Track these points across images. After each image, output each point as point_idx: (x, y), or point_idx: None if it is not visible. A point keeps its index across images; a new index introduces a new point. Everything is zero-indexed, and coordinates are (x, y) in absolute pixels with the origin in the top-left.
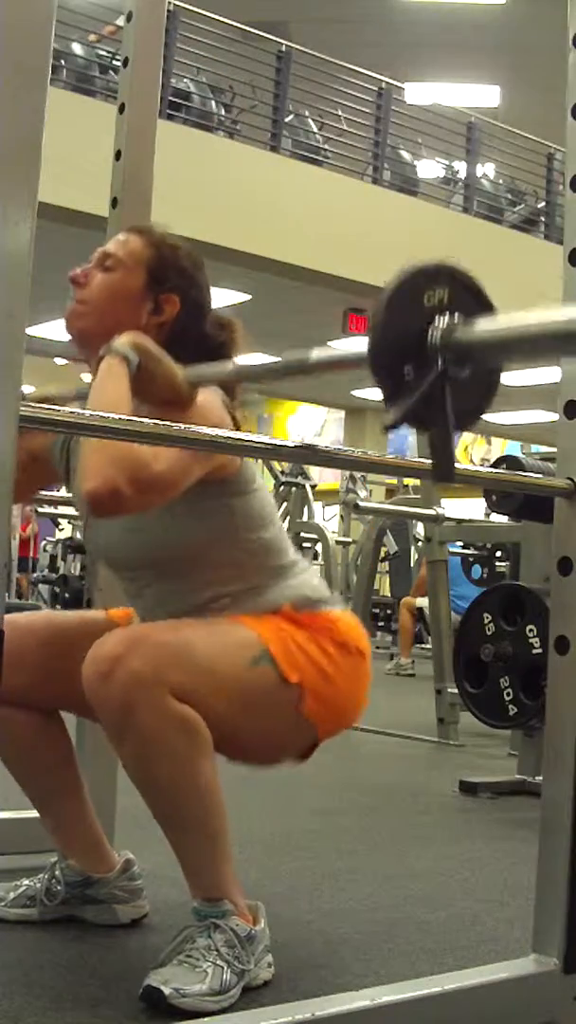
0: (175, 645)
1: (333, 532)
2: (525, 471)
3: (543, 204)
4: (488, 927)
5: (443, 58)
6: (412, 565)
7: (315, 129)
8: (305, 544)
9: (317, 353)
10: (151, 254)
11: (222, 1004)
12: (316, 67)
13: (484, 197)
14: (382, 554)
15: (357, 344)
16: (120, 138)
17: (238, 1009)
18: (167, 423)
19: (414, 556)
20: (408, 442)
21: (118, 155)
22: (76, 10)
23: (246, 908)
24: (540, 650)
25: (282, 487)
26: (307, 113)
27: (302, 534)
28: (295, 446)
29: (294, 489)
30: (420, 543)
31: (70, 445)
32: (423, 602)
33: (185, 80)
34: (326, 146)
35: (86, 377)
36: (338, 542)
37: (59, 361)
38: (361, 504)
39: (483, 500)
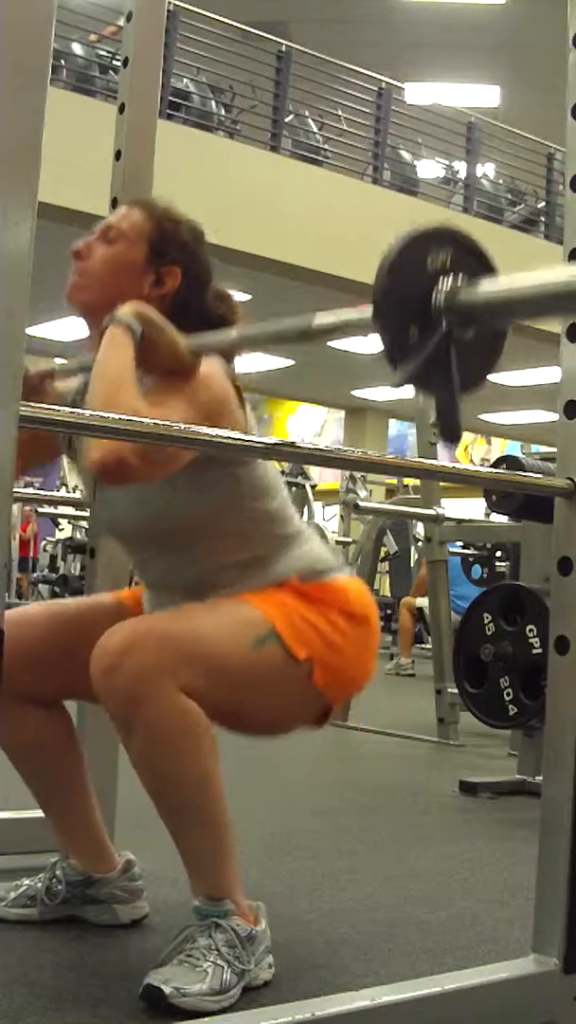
0: (182, 636)
1: (333, 532)
2: (525, 471)
3: (543, 204)
4: (488, 927)
5: (443, 58)
6: (412, 565)
7: (315, 129)
8: None
9: (320, 319)
10: (153, 227)
11: (222, 1004)
12: (316, 67)
13: (484, 197)
14: (382, 554)
15: (360, 312)
16: (120, 138)
17: (238, 1009)
18: (167, 423)
19: (414, 556)
20: (408, 442)
21: (118, 155)
22: (76, 10)
23: (247, 908)
24: (540, 650)
25: None
26: (307, 113)
27: None
28: (295, 446)
29: (294, 489)
30: (420, 543)
31: None
32: (423, 602)
33: (185, 80)
34: (326, 146)
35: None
36: (338, 542)
37: (59, 361)
38: (361, 504)
39: (483, 500)
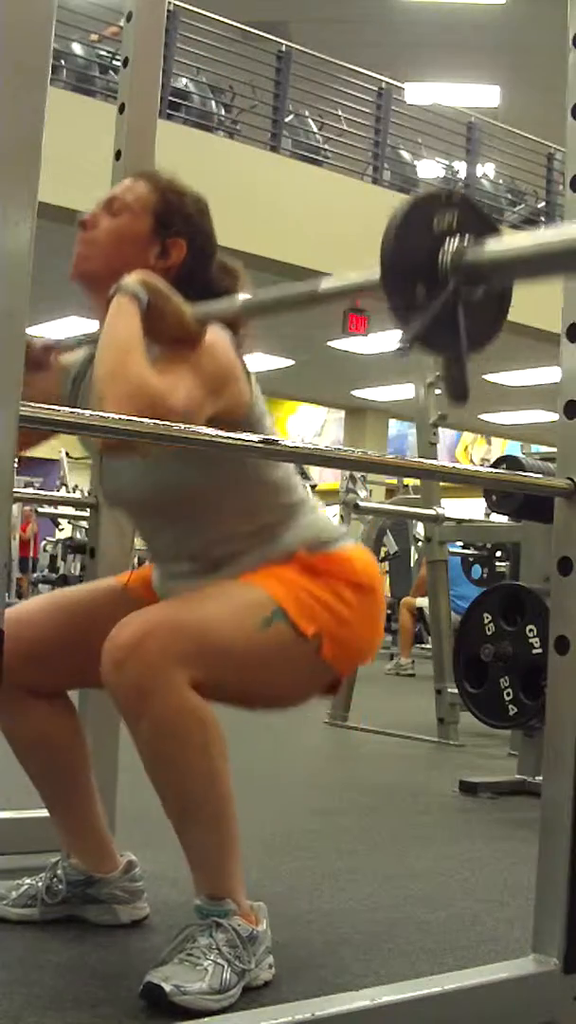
0: (190, 628)
1: None
2: (525, 471)
3: (543, 204)
4: (488, 927)
5: (443, 58)
6: (412, 565)
7: (315, 129)
8: None
9: (327, 282)
10: (158, 199)
11: (222, 1003)
12: (316, 67)
13: (484, 197)
14: (382, 554)
15: (367, 274)
16: (120, 138)
17: (238, 1009)
18: (167, 423)
19: (414, 556)
20: (408, 442)
21: (118, 155)
22: (76, 10)
23: (249, 908)
24: (540, 650)
25: None
26: (307, 113)
27: None
28: (295, 446)
29: None
30: (420, 543)
31: (79, 391)
32: (423, 602)
33: (184, 80)
34: (326, 146)
35: None
36: None
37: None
38: (361, 504)
39: (483, 500)
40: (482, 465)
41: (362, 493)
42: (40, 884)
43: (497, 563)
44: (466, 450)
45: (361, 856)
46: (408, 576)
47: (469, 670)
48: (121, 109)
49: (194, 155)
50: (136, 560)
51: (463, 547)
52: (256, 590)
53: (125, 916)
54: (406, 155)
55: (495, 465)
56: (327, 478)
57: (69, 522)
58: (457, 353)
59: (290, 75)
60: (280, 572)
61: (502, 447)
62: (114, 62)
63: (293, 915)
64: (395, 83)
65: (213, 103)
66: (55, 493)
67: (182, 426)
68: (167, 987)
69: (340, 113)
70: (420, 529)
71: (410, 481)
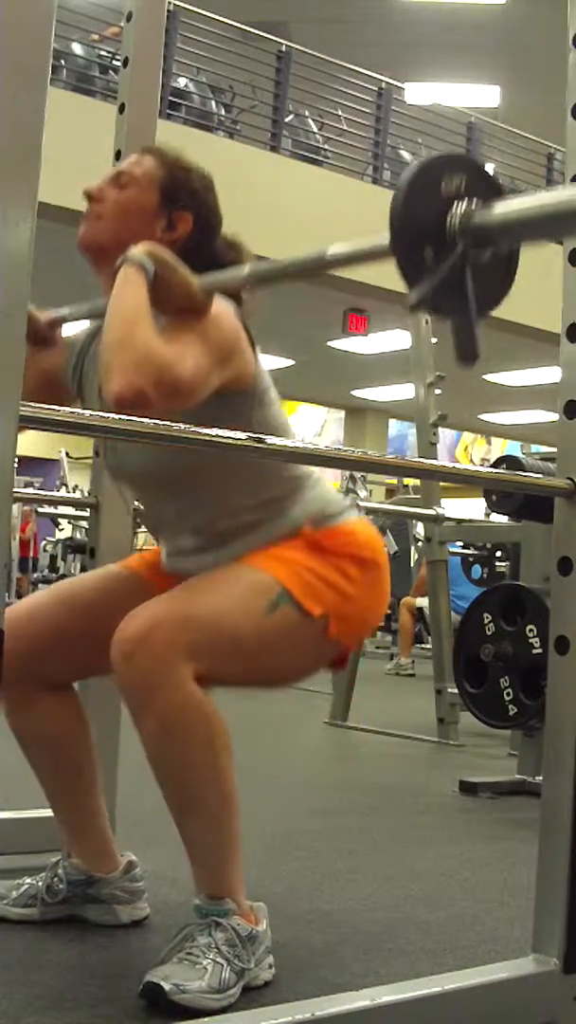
0: (197, 619)
1: None
2: (525, 471)
3: None
4: (488, 927)
5: (443, 58)
6: (412, 565)
7: (315, 129)
8: None
9: (334, 249)
10: (164, 173)
11: (222, 1002)
12: (316, 67)
13: None
14: None
15: (375, 239)
16: (120, 138)
17: (238, 1009)
18: (167, 423)
19: (414, 556)
20: (408, 442)
21: (118, 155)
22: (76, 10)
23: (248, 908)
24: (540, 650)
25: None
26: (307, 113)
27: None
28: (294, 446)
29: None
30: (420, 543)
31: (83, 367)
32: (423, 602)
33: (182, 79)
34: (326, 146)
35: None
36: None
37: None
38: (361, 504)
39: (483, 500)
40: (482, 465)
41: (362, 493)
42: (40, 884)
43: (497, 563)
44: (466, 450)
45: (361, 856)
46: (408, 576)
47: (469, 670)
48: (121, 109)
49: (194, 155)
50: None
51: (463, 547)
52: (261, 573)
53: (125, 916)
54: (406, 155)
55: (495, 465)
56: (327, 478)
57: (69, 522)
58: (465, 315)
59: (290, 75)
60: (285, 553)
61: (502, 447)
62: (114, 62)
63: (293, 915)
64: (395, 83)
65: (213, 103)
66: (55, 493)
67: (182, 426)
68: (167, 986)
69: (340, 113)
70: (420, 529)
71: (410, 481)
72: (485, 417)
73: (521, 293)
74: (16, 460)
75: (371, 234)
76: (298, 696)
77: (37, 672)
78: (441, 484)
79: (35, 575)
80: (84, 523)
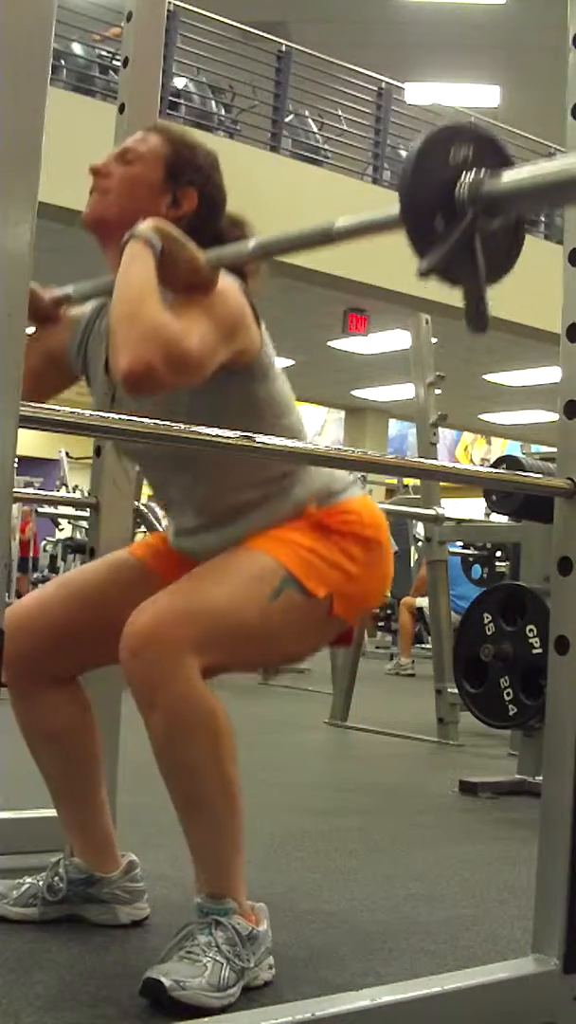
0: (202, 612)
1: None
2: (525, 471)
3: None
4: (488, 927)
5: (443, 58)
6: (412, 565)
7: (315, 129)
8: None
9: (342, 221)
10: (170, 151)
11: (222, 1001)
12: (316, 67)
13: None
14: None
15: (384, 210)
16: (120, 138)
17: (238, 1009)
18: (167, 423)
19: (414, 556)
20: (408, 442)
21: None
22: (76, 10)
23: (249, 908)
24: (540, 650)
25: None
26: (307, 113)
27: None
28: (295, 446)
29: None
30: (420, 543)
31: (88, 345)
32: (423, 602)
33: (182, 79)
34: (326, 146)
35: None
36: None
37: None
38: None
39: (483, 500)
40: (482, 465)
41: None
42: (41, 883)
43: (497, 563)
44: (466, 450)
45: (361, 856)
46: (408, 576)
47: (469, 670)
48: (121, 109)
49: None
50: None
51: (463, 547)
52: (264, 557)
53: (125, 916)
54: (406, 155)
55: (495, 465)
56: None
57: (69, 522)
58: (476, 283)
59: (290, 75)
60: (288, 535)
61: (502, 447)
62: (114, 62)
63: (293, 915)
64: (395, 83)
65: (213, 103)
66: (55, 493)
67: (181, 426)
68: (167, 982)
69: (340, 113)
70: (420, 529)
71: (410, 481)
72: (485, 417)
73: (521, 293)
74: (16, 460)
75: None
76: (298, 696)
77: (47, 665)
78: (441, 484)
79: (35, 575)
80: (84, 523)
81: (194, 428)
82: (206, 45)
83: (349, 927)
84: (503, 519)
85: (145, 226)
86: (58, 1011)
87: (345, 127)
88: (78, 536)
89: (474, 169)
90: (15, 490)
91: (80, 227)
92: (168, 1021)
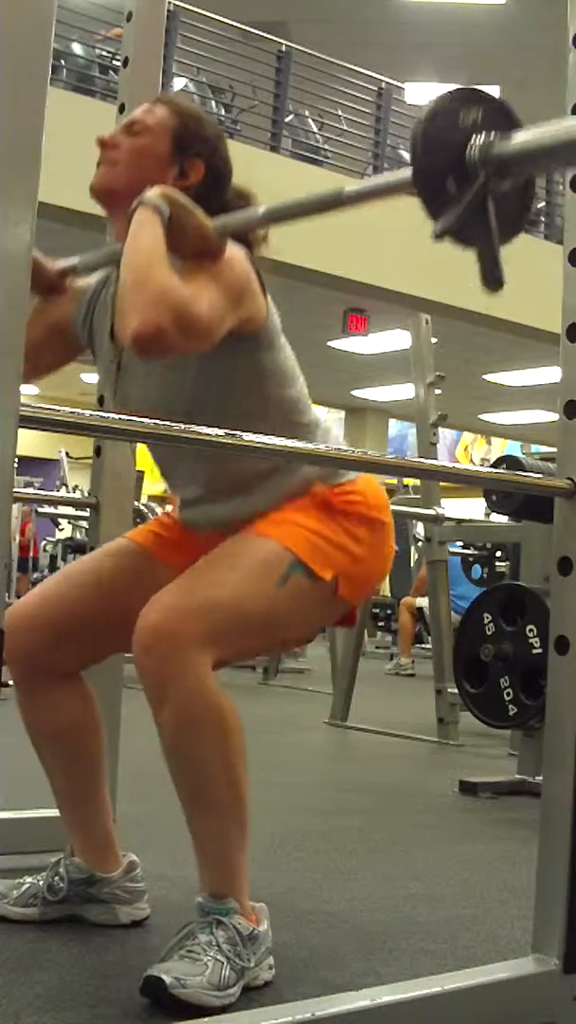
0: (213, 606)
1: None
2: (525, 471)
3: (543, 204)
4: (488, 927)
5: (443, 58)
6: (412, 565)
7: (315, 129)
8: None
9: (352, 186)
10: (177, 122)
11: (223, 1001)
12: (316, 67)
13: None
14: None
15: (396, 174)
16: None
17: (238, 1009)
18: (167, 423)
19: (414, 556)
20: (408, 442)
21: None
22: (76, 10)
23: (250, 909)
24: (540, 650)
25: None
26: (307, 113)
27: None
28: (295, 446)
29: None
30: (420, 543)
31: (93, 315)
32: (423, 602)
33: (182, 79)
34: (326, 146)
35: (85, 376)
36: None
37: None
38: None
39: (483, 500)
40: (482, 465)
41: None
42: (41, 883)
43: (497, 563)
44: (466, 450)
45: (361, 856)
46: (408, 576)
47: (469, 670)
48: (121, 109)
49: None
50: None
51: (463, 547)
52: (271, 543)
53: (125, 916)
54: (406, 155)
55: (495, 465)
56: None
57: (69, 522)
58: (489, 244)
59: (290, 75)
60: (294, 517)
61: (502, 447)
62: (114, 62)
63: (293, 915)
64: (395, 83)
65: (213, 103)
66: (55, 493)
67: (181, 426)
68: (168, 979)
69: (340, 113)
70: (420, 529)
71: (410, 481)
72: (485, 417)
73: (521, 293)
74: (16, 460)
75: (370, 234)
76: (298, 696)
77: (52, 660)
78: (441, 484)
79: (35, 575)
80: (84, 523)
81: (193, 428)
82: (206, 45)
83: (349, 927)
84: (503, 519)
85: (153, 193)
86: (58, 1011)
87: (345, 127)
88: (78, 536)
89: (484, 132)
90: (15, 490)
91: (80, 227)
92: (168, 1021)
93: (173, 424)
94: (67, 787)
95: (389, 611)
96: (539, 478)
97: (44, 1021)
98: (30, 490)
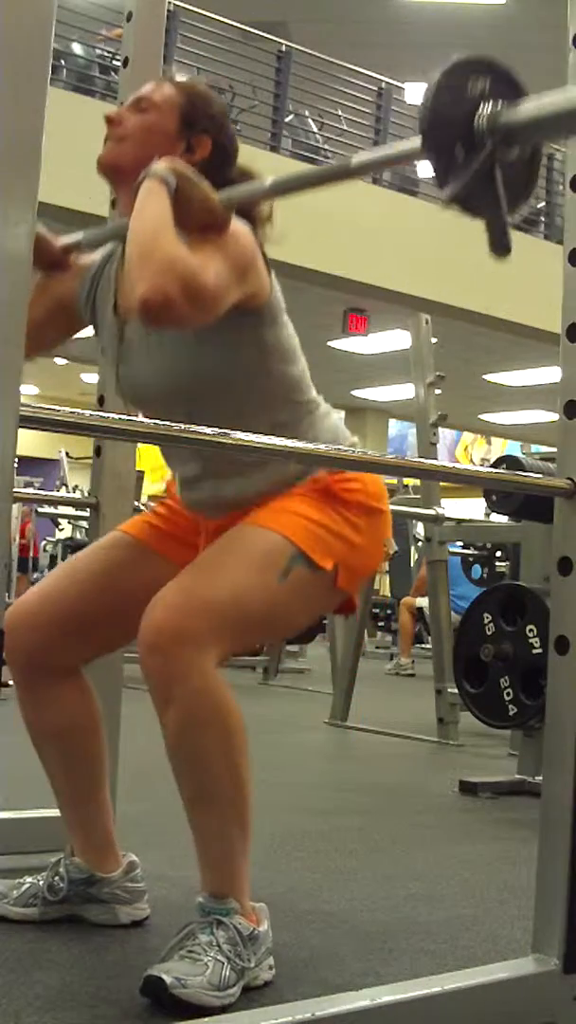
0: (217, 602)
1: None
2: (525, 471)
3: (543, 204)
4: (488, 927)
5: (443, 58)
6: (412, 565)
7: (315, 129)
8: None
9: (360, 156)
10: (184, 99)
11: (223, 1001)
12: (316, 67)
13: None
14: None
15: (404, 143)
16: None
17: (238, 1009)
18: (167, 423)
19: (414, 556)
20: (408, 442)
21: None
22: (76, 10)
23: (251, 909)
24: (540, 650)
25: None
26: (307, 113)
27: None
28: (296, 446)
29: None
30: (420, 543)
31: (97, 291)
32: (423, 602)
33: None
34: (326, 146)
35: (85, 376)
36: None
37: (59, 361)
38: None
39: (483, 500)
40: (482, 465)
41: None
42: (42, 883)
43: (497, 563)
44: (466, 450)
45: (361, 856)
46: (408, 576)
47: (469, 670)
48: None
49: None
50: None
51: (463, 547)
52: (272, 535)
53: (125, 916)
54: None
55: (495, 465)
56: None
57: (69, 522)
58: (497, 212)
59: (290, 75)
60: (295, 506)
61: (502, 447)
62: (114, 62)
63: (293, 915)
64: (395, 83)
65: None
66: (55, 493)
67: (181, 426)
68: (168, 979)
69: (340, 113)
70: (420, 529)
71: (410, 481)
72: (485, 417)
73: (521, 293)
74: (16, 460)
75: (370, 234)
76: (298, 696)
77: (54, 657)
78: (441, 484)
79: (35, 575)
80: (84, 523)
81: (193, 428)
82: (206, 45)
83: (349, 927)
84: (503, 519)
85: (160, 165)
86: (58, 1011)
87: (345, 127)
88: (78, 536)
89: (492, 100)
90: (15, 490)
91: (80, 226)
92: (168, 1021)
93: (173, 424)
94: (68, 787)
95: (389, 611)
96: (539, 478)
97: (44, 1021)
98: (30, 490)
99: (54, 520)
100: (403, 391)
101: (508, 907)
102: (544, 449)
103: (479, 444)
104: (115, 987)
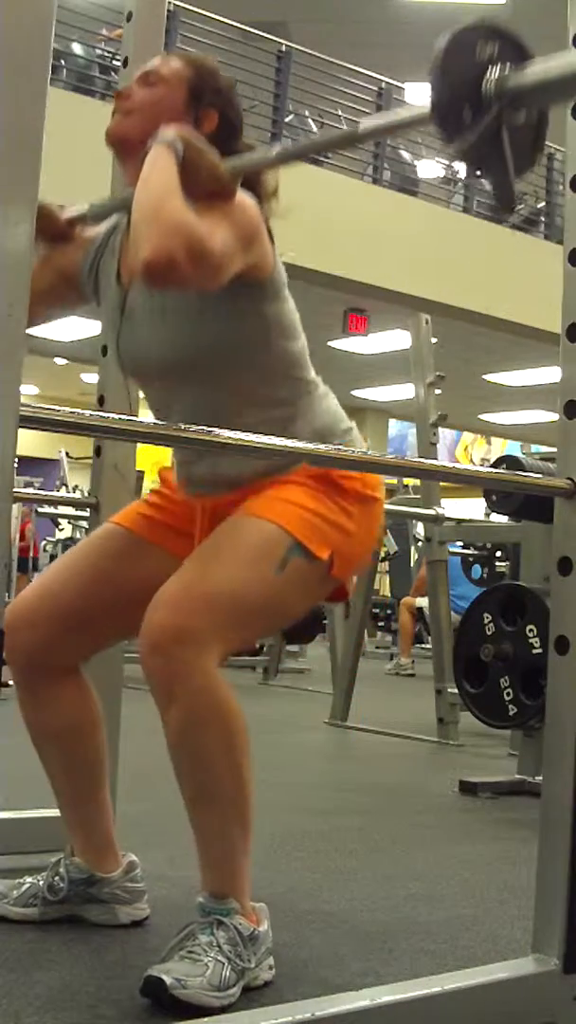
0: (218, 598)
1: None
2: (525, 471)
3: (543, 204)
4: (488, 927)
5: None
6: (412, 565)
7: (315, 129)
8: None
9: (367, 122)
10: (192, 73)
11: (223, 1001)
12: (316, 67)
13: (484, 197)
14: (382, 554)
15: (412, 109)
16: None
17: (238, 1009)
18: (166, 424)
19: (414, 556)
20: (408, 442)
21: None
22: (76, 10)
23: (251, 909)
24: (540, 650)
25: None
26: (307, 113)
27: None
28: (296, 446)
29: None
30: (420, 543)
31: (100, 263)
32: (423, 602)
33: None
34: None
35: (85, 376)
36: None
37: (59, 361)
38: None
39: (483, 500)
40: (482, 465)
41: None
42: (42, 883)
43: (497, 563)
44: (466, 450)
45: (361, 856)
46: (408, 576)
47: (469, 670)
48: None
49: None
50: None
51: (463, 547)
52: (269, 526)
53: (125, 916)
54: (406, 155)
55: (495, 465)
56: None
57: (69, 522)
58: (504, 173)
59: (290, 75)
60: (291, 495)
61: (502, 447)
62: (114, 62)
63: (293, 915)
64: (395, 83)
65: None
66: (55, 493)
67: (181, 426)
68: (168, 980)
69: (340, 113)
70: (420, 529)
71: (410, 481)
72: (485, 417)
73: (521, 293)
74: (16, 460)
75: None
76: (298, 696)
77: (54, 654)
78: (441, 484)
79: (35, 575)
80: (84, 523)
81: (193, 428)
82: (206, 45)
83: (349, 927)
84: (503, 519)
85: (168, 131)
86: (58, 1011)
87: (345, 127)
88: (78, 536)
89: (499, 64)
90: (15, 490)
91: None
92: (168, 1021)
93: (172, 425)
94: (68, 787)
95: (389, 611)
96: (539, 478)
97: (44, 1021)
98: (30, 490)
99: (54, 520)
100: (403, 391)
101: (508, 907)
102: (544, 449)
103: (479, 444)
104: (115, 987)
